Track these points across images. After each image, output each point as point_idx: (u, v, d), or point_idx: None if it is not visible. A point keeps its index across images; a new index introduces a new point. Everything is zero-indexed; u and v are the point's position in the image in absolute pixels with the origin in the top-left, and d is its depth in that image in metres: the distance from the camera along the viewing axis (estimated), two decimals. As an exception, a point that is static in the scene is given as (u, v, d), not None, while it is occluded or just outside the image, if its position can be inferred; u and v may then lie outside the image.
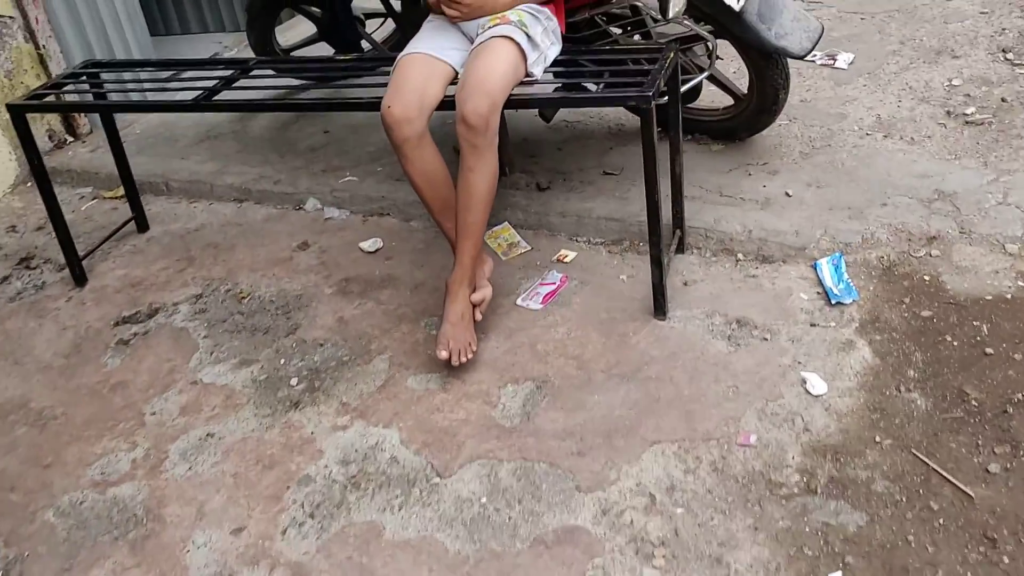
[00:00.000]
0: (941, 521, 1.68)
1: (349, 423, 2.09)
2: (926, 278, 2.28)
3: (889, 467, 1.80)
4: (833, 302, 2.24)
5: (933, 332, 2.12)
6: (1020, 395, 1.92)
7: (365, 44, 3.44)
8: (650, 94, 2.04)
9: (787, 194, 2.66)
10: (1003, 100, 3.03)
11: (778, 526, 1.71)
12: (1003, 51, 3.37)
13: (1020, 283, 2.23)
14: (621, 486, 1.83)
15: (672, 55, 2.24)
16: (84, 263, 2.80)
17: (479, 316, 2.22)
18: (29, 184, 3.40)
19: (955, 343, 2.08)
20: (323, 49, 3.62)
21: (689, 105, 2.87)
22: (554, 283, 2.46)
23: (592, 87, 2.31)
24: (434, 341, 2.20)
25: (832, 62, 3.42)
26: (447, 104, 2.17)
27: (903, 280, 2.29)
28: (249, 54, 3.75)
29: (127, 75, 3.04)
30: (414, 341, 2.32)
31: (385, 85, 2.19)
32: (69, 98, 3.02)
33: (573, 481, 1.86)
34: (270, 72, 2.73)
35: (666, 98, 2.31)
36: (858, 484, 1.77)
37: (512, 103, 2.15)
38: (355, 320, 2.44)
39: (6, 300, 2.77)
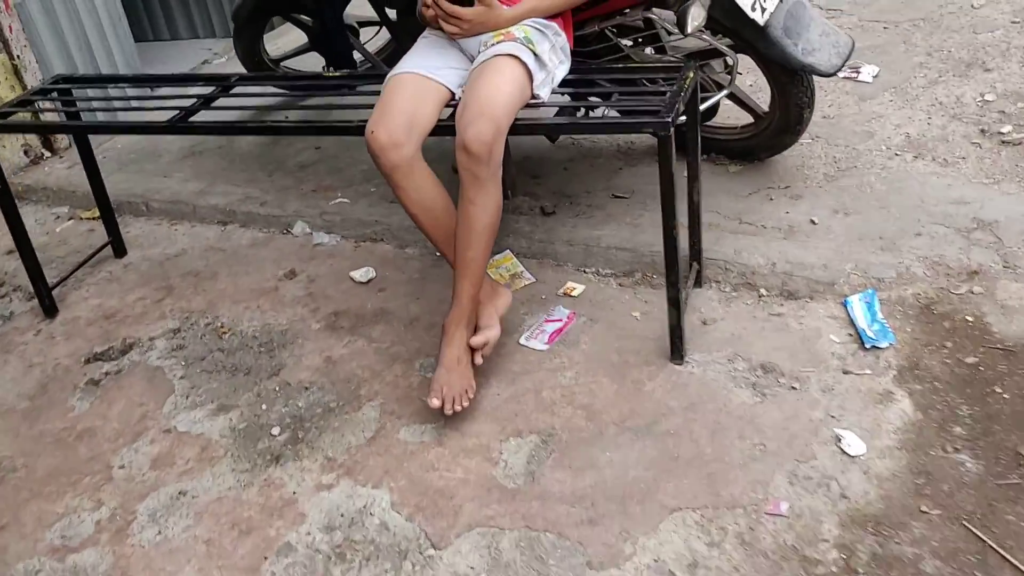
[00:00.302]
0: (1002, 611, 1.48)
1: (335, 481, 1.90)
2: (969, 319, 2.08)
3: (939, 543, 1.60)
4: (868, 345, 2.04)
5: (980, 382, 1.92)
6: (1082, 458, 1.72)
7: (359, 55, 3.25)
8: (669, 120, 1.84)
9: (812, 222, 2.46)
10: (1041, 118, 2.83)
11: (816, 614, 1.52)
12: (1037, 64, 3.17)
13: (1073, 325, 2.03)
14: (637, 562, 1.63)
15: (691, 74, 2.04)
16: (55, 292, 2.61)
17: (479, 360, 2.01)
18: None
19: (1006, 395, 1.88)
20: (315, 59, 3.42)
21: (705, 123, 2.67)
22: (561, 320, 2.26)
23: (603, 111, 2.11)
24: (428, 386, 2.00)
25: (856, 75, 3.20)
26: (443, 130, 1.98)
27: (943, 321, 2.09)
28: (238, 64, 3.55)
29: (101, 92, 2.84)
30: (407, 385, 2.13)
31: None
32: (46, 116, 2.80)
33: (584, 555, 1.66)
34: (254, 90, 2.53)
35: (684, 118, 2.11)
36: (904, 563, 1.57)
37: (517, 128, 1.95)
38: (344, 360, 2.24)
39: (-30, 332, 2.58)
